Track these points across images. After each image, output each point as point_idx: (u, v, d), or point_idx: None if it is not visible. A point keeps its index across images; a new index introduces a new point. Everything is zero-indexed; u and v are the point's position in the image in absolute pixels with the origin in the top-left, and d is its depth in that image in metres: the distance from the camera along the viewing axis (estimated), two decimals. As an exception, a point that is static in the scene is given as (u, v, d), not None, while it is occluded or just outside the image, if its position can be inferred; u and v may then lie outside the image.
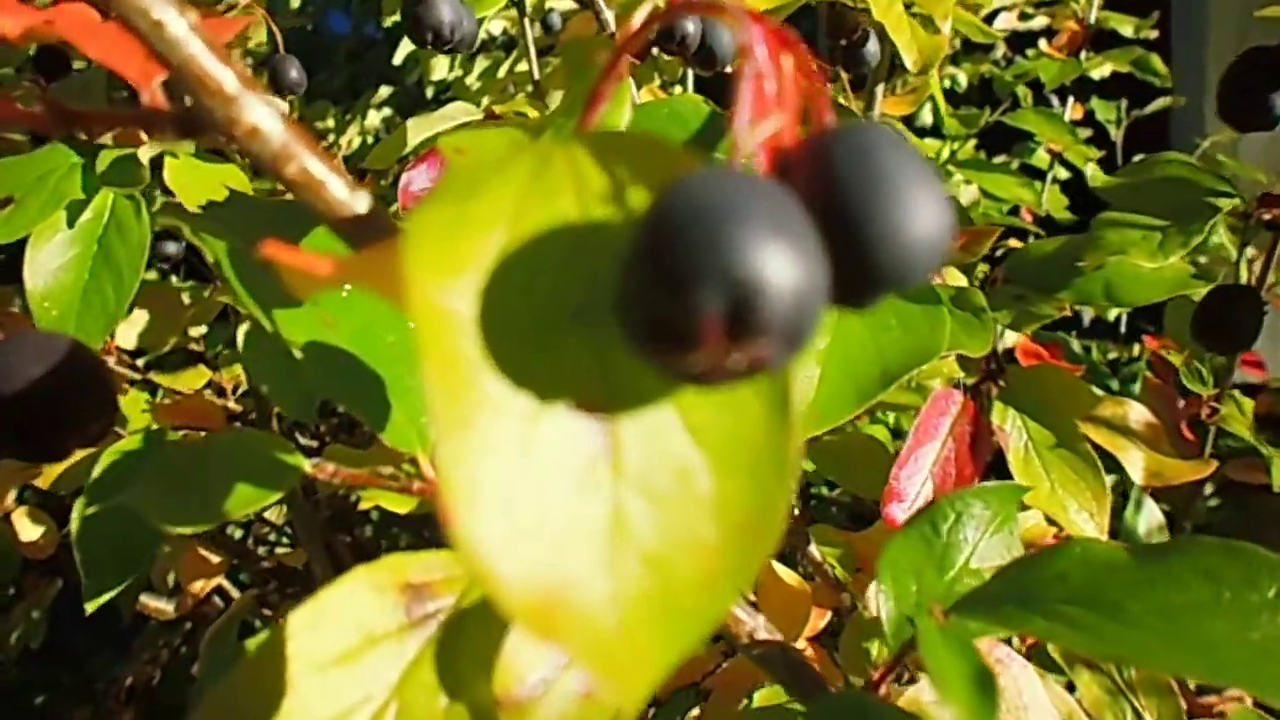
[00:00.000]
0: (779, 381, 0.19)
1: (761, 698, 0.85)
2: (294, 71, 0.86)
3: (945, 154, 1.71)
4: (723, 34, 0.80)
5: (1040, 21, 1.99)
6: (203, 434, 0.73)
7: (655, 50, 0.78)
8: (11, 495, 1.42)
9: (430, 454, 0.38)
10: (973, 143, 1.78)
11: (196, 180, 0.63)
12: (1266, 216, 0.63)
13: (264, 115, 0.24)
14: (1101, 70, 1.83)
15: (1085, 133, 1.94)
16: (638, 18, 0.25)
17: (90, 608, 0.57)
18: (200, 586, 0.89)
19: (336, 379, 0.37)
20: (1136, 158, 2.00)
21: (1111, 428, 0.70)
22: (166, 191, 0.62)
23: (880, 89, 1.08)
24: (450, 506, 0.17)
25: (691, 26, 0.76)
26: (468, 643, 0.30)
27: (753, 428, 0.20)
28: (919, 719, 0.32)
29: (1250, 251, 0.76)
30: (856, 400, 0.50)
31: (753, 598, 0.75)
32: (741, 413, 0.20)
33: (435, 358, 0.18)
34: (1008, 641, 0.51)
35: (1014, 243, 1.73)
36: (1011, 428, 0.63)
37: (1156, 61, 1.73)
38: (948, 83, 2.11)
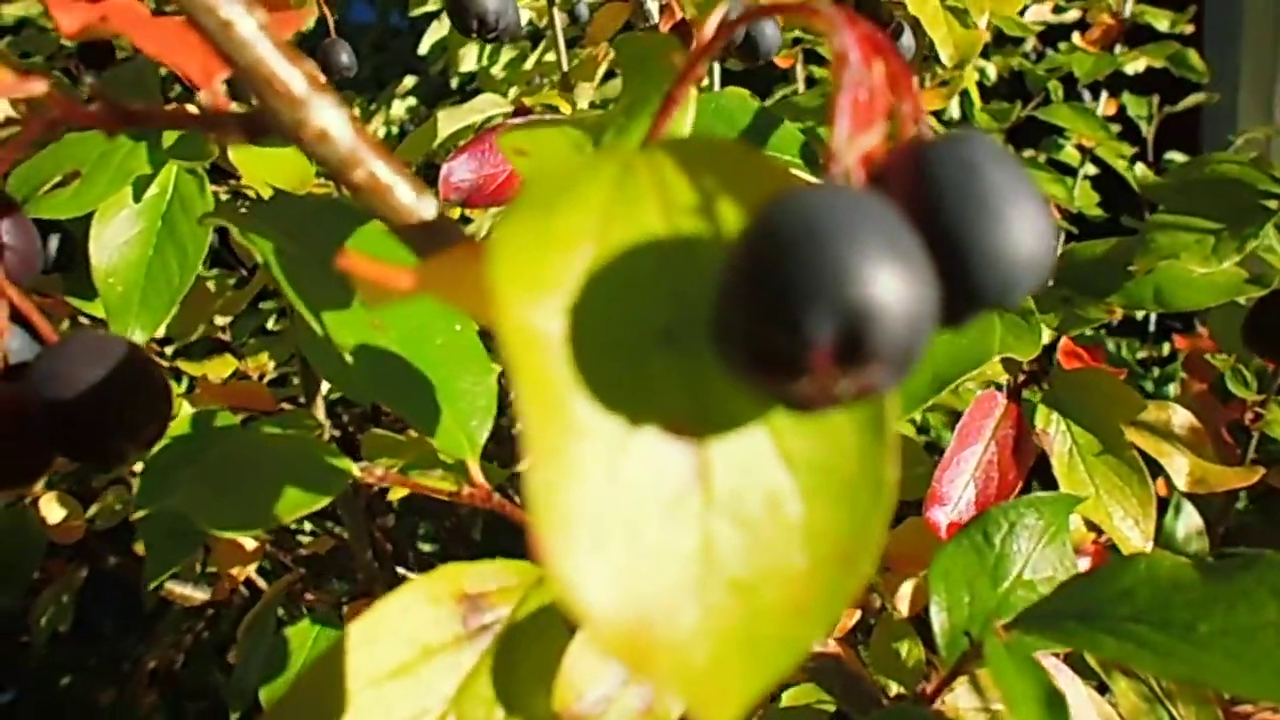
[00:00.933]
0: (876, 406, 0.19)
1: (790, 697, 0.85)
2: (344, 56, 0.86)
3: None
4: (766, 27, 0.79)
5: (1073, 14, 1.96)
6: (252, 423, 0.73)
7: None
8: (40, 480, 1.43)
9: (478, 458, 0.37)
10: (1000, 137, 1.76)
11: (261, 160, 0.62)
12: (1322, 218, 0.61)
13: (333, 119, 0.23)
14: (1136, 65, 1.80)
15: (1115, 128, 1.92)
16: (712, 23, 0.25)
17: (151, 585, 0.58)
18: (239, 572, 0.90)
19: (386, 382, 0.36)
20: (1167, 154, 1.97)
21: (1155, 432, 0.69)
22: (223, 174, 0.62)
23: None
24: (540, 535, 0.17)
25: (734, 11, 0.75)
26: (525, 655, 0.29)
27: (847, 454, 0.19)
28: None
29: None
30: (906, 405, 0.49)
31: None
32: (835, 438, 0.19)
33: (528, 381, 0.17)
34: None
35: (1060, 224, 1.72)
36: (1056, 432, 0.62)
37: (1193, 57, 1.70)
38: (977, 75, 2.09)
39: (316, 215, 0.39)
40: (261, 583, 1.34)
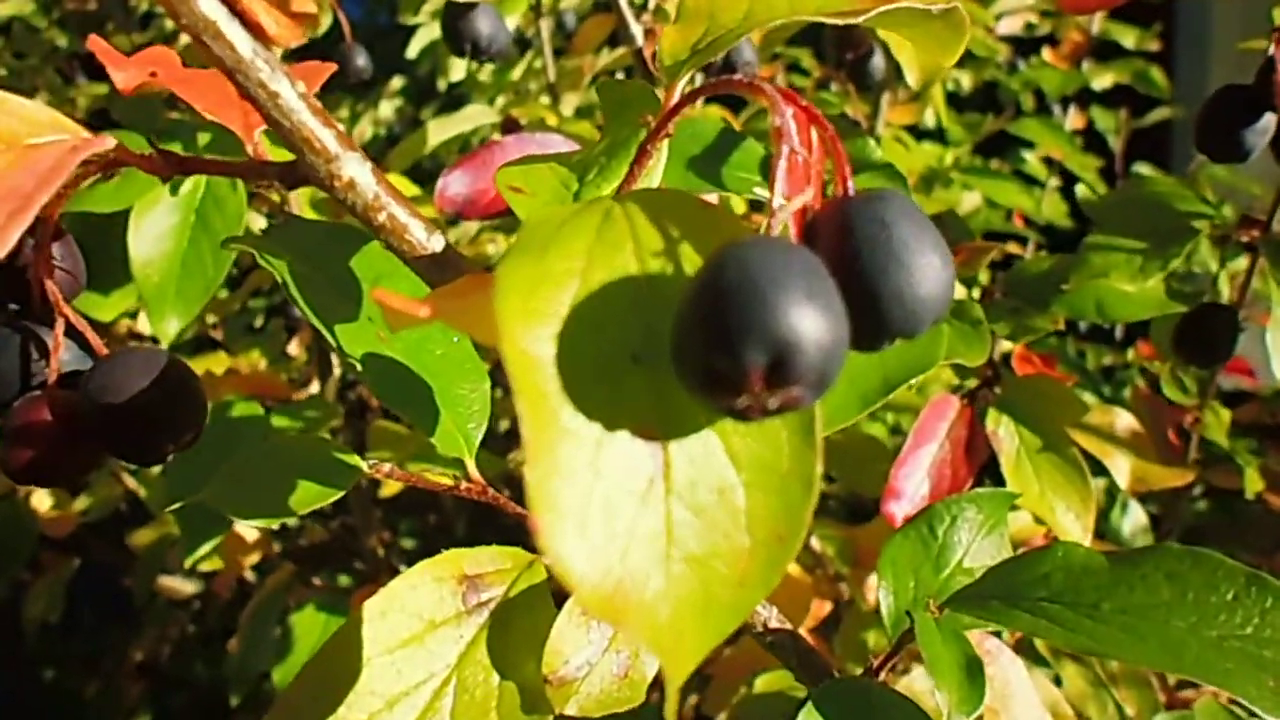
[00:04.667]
0: (806, 416, 0.23)
1: (763, 683, 0.89)
2: (360, 59, 0.91)
3: (949, 160, 1.74)
4: (744, 51, 0.83)
5: (1045, 27, 2.01)
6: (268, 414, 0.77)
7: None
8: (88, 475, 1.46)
9: (474, 457, 0.42)
10: (968, 147, 1.81)
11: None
12: (1244, 238, 0.67)
13: (360, 171, 0.27)
14: (1103, 81, 1.86)
15: (1087, 139, 1.98)
16: (678, 90, 0.29)
17: (189, 562, 0.62)
18: (244, 561, 0.94)
19: (391, 387, 0.41)
20: (1137, 166, 2.02)
21: (1100, 435, 0.74)
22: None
23: (885, 100, 1.12)
24: (535, 519, 0.21)
25: None
26: (517, 628, 0.34)
27: (782, 454, 0.23)
28: (913, 701, 0.36)
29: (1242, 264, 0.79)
30: (859, 406, 0.54)
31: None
32: (773, 441, 0.24)
33: (525, 395, 0.21)
34: (998, 635, 0.55)
35: (1014, 248, 1.77)
36: (1005, 433, 0.67)
37: (1156, 74, 1.77)
38: (951, 85, 2.14)
39: (325, 239, 0.43)
40: (250, 576, 1.38)
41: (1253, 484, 0.79)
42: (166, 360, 0.33)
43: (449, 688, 0.33)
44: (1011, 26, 1.90)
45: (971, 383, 0.71)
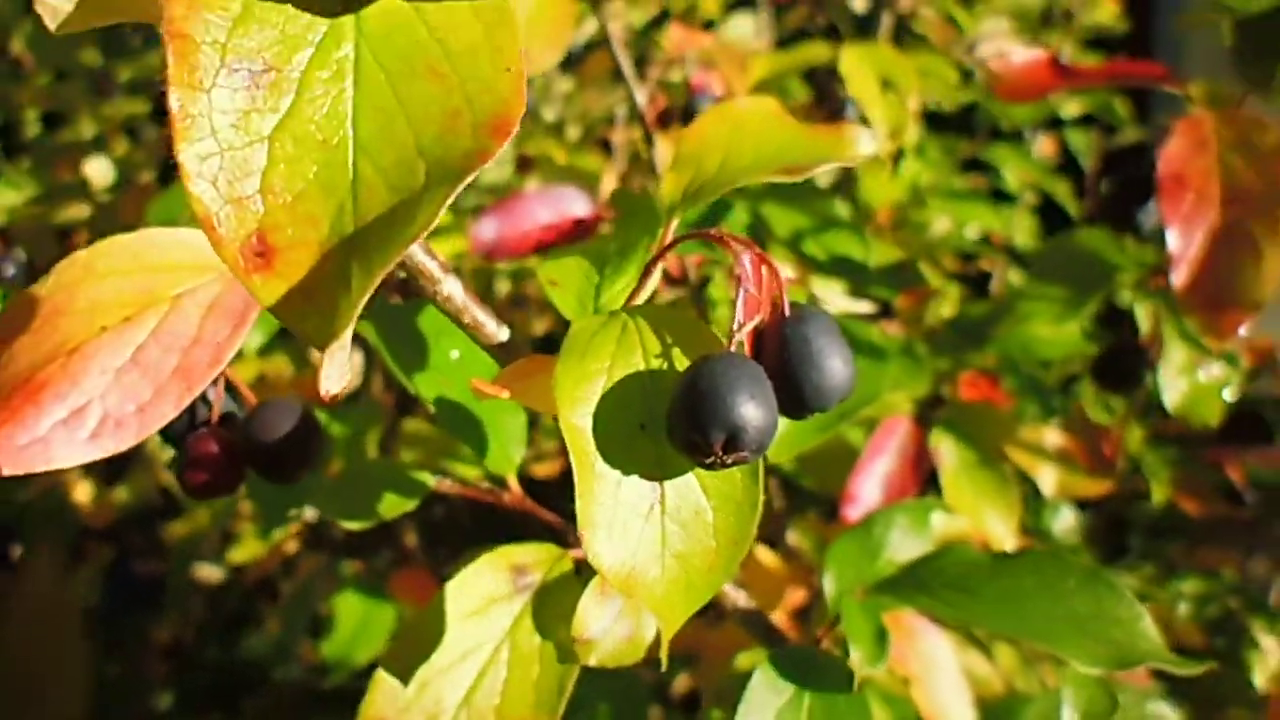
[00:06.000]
0: (753, 466, 0.36)
1: (743, 660, 1.03)
2: None
3: (925, 179, 1.85)
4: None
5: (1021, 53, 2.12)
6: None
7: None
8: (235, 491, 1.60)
9: (515, 474, 0.54)
10: (946, 168, 1.93)
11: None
12: (1154, 287, 0.80)
13: (455, 289, 0.40)
14: (1070, 110, 1.98)
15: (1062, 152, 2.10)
16: (672, 229, 0.42)
17: (268, 534, 0.74)
18: (286, 548, 1.07)
19: (454, 420, 0.53)
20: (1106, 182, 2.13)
21: (1030, 450, 0.87)
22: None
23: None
24: (581, 531, 0.34)
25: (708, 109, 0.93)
26: (553, 603, 0.47)
27: (737, 488, 0.36)
28: (842, 660, 0.49)
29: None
30: (818, 432, 0.67)
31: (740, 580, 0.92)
32: (731, 480, 0.36)
33: (574, 452, 0.34)
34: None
35: (986, 265, 1.90)
36: (946, 449, 0.80)
37: (1119, 106, 1.89)
38: (933, 106, 2.26)
39: (400, 313, 0.56)
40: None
41: (1158, 493, 0.93)
42: (302, 409, 0.46)
43: (505, 646, 0.46)
44: (988, 50, 2.02)
45: (917, 405, 0.84)
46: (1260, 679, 1.08)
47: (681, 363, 0.37)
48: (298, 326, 0.22)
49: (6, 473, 0.33)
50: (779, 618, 1.01)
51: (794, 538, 1.17)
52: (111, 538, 1.83)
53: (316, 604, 1.01)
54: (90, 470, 1.69)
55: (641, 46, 1.48)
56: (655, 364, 0.37)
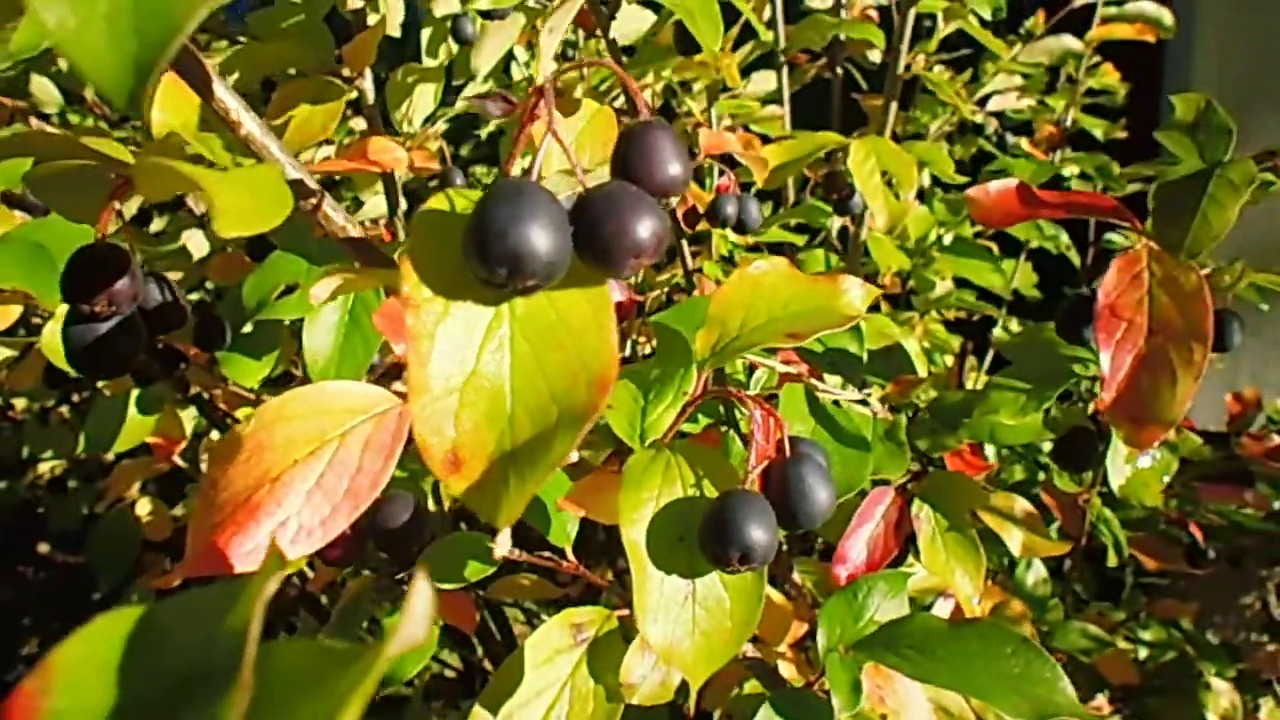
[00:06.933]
0: (759, 572, 0.50)
1: (749, 687, 1.16)
2: (469, 28, 1.16)
3: (932, 237, 1.98)
4: (750, 209, 1.11)
5: (1025, 114, 2.26)
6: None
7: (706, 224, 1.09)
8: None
9: (571, 546, 0.69)
10: (953, 224, 2.06)
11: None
12: (1107, 381, 0.93)
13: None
14: (1071, 169, 2.11)
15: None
16: (703, 377, 0.56)
17: None
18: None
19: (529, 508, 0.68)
20: (1108, 235, 2.25)
21: (1000, 515, 1.01)
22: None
23: (866, 225, 1.39)
24: (636, 617, 0.48)
25: (731, 208, 1.07)
26: (603, 654, 0.61)
27: (748, 583, 0.50)
28: (829, 705, 0.62)
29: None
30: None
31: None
32: (745, 579, 0.50)
33: (632, 558, 0.48)
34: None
35: (992, 309, 2.03)
36: (924, 516, 0.94)
37: (1115, 168, 2.03)
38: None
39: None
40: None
41: (1111, 557, 1.06)
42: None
43: (567, 688, 0.60)
44: (1003, 102, 2.15)
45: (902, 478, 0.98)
46: (1213, 716, 1.21)
47: (710, 491, 0.51)
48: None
49: (238, 571, 0.47)
50: (783, 648, 1.15)
51: (798, 576, 1.31)
52: (167, 549, 1.99)
53: (363, 620, 1.15)
54: (146, 488, 1.84)
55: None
56: (690, 492, 0.51)
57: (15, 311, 1.20)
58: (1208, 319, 0.74)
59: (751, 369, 0.87)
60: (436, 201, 0.40)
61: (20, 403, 2.12)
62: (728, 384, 0.98)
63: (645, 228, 0.38)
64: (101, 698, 0.24)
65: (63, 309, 0.76)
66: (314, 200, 0.45)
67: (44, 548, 3.67)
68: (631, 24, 1.45)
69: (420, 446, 0.37)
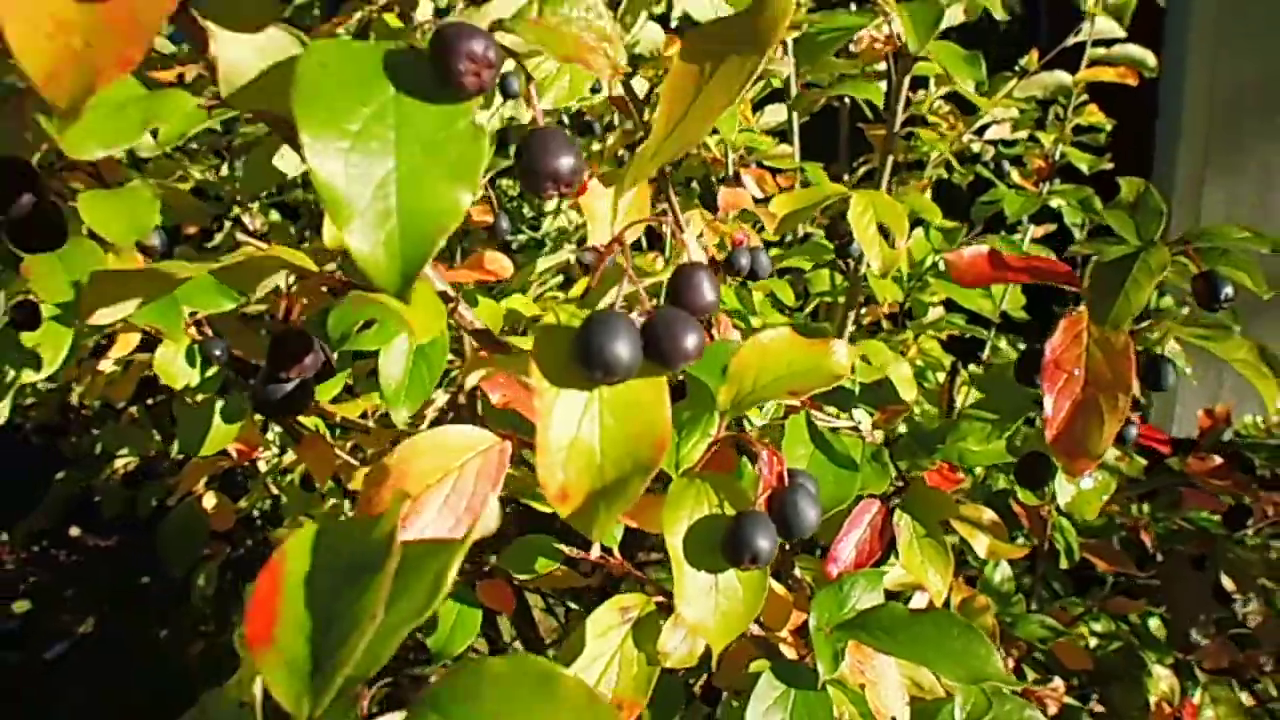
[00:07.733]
0: (763, 570, 0.69)
1: (755, 665, 1.36)
2: (514, 84, 1.36)
3: (928, 263, 2.15)
4: (761, 259, 1.30)
5: (1018, 148, 2.43)
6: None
7: (721, 272, 1.28)
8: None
9: (616, 545, 0.88)
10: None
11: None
12: (1059, 412, 1.12)
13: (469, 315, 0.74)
14: (1059, 201, 2.28)
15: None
16: (724, 426, 0.75)
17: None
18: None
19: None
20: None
21: (970, 523, 1.20)
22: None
23: (864, 266, 1.58)
24: (676, 603, 0.67)
25: (745, 260, 1.27)
26: (644, 629, 0.80)
27: (755, 576, 0.70)
28: (816, 672, 0.81)
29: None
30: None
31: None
32: (753, 574, 0.70)
33: (674, 561, 0.68)
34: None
35: (981, 332, 2.21)
36: (903, 524, 1.13)
37: (1097, 202, 2.20)
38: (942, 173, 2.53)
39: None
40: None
41: (1064, 560, 1.25)
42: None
43: (617, 655, 0.79)
44: (999, 132, 2.33)
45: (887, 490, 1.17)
46: (1154, 698, 1.40)
47: (729, 510, 0.70)
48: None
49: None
50: (785, 633, 1.33)
51: (799, 571, 1.50)
52: (228, 539, 2.19)
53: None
54: (211, 483, 2.04)
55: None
56: (714, 510, 0.70)
57: (135, 340, 1.40)
58: (1131, 373, 0.92)
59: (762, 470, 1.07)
60: (549, 318, 0.59)
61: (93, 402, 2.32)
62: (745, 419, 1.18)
63: (691, 341, 0.57)
64: (308, 566, 0.42)
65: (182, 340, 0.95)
66: (452, 304, 0.65)
67: (74, 531, 3.89)
68: (648, 37, 1.64)
69: (541, 484, 0.56)
